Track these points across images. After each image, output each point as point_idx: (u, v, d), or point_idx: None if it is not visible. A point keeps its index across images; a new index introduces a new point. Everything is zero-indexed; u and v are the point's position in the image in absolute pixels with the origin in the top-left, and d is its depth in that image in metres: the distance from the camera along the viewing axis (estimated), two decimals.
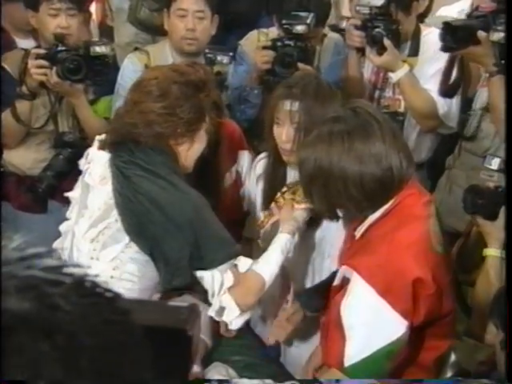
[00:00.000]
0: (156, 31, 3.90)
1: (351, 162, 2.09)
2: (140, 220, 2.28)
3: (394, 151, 2.12)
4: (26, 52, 3.28)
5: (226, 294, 2.30)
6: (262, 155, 2.91)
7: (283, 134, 2.58)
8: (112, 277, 2.33)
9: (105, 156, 2.39)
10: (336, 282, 2.25)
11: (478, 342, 2.50)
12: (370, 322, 2.09)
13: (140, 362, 0.76)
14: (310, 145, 2.21)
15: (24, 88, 3.19)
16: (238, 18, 3.95)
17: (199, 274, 2.32)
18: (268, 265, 2.39)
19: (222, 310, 2.34)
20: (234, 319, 2.36)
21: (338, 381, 2.19)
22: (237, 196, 2.97)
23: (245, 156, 3.00)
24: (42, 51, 3.15)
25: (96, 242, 2.36)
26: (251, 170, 2.95)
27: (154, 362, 0.81)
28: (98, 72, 3.19)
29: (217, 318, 2.38)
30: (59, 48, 3.14)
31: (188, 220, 2.24)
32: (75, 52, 3.15)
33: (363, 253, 2.17)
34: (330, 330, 2.23)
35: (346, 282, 2.16)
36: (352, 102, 2.32)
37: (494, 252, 2.49)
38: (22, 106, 3.21)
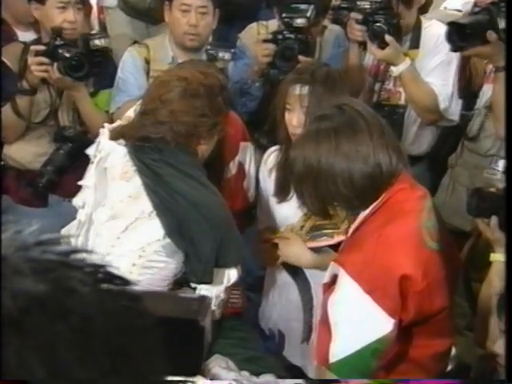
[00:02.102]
0: (148, 17, 3.87)
1: (339, 160, 2.09)
2: (179, 219, 2.34)
3: (381, 147, 2.11)
4: (26, 46, 3.28)
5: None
6: (273, 149, 2.93)
7: (294, 118, 2.63)
8: (134, 264, 2.38)
9: (122, 149, 2.42)
10: (326, 280, 2.23)
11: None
12: (356, 320, 2.07)
13: (153, 348, 0.76)
14: (298, 144, 2.21)
15: (25, 83, 3.19)
16: (237, 11, 3.93)
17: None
18: None
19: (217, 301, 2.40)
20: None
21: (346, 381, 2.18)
22: (240, 186, 2.99)
23: (247, 147, 3.01)
24: (41, 48, 3.14)
25: (122, 232, 2.40)
26: (262, 164, 2.96)
27: (168, 352, 0.81)
28: (97, 64, 3.20)
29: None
30: (58, 42, 3.14)
31: (220, 221, 2.34)
32: (75, 48, 3.15)
33: (351, 249, 2.16)
34: (318, 327, 2.23)
35: (335, 278, 2.14)
36: (339, 100, 2.32)
37: (500, 257, 2.46)
38: (23, 101, 3.21)
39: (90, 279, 0.73)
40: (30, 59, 3.13)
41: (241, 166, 2.98)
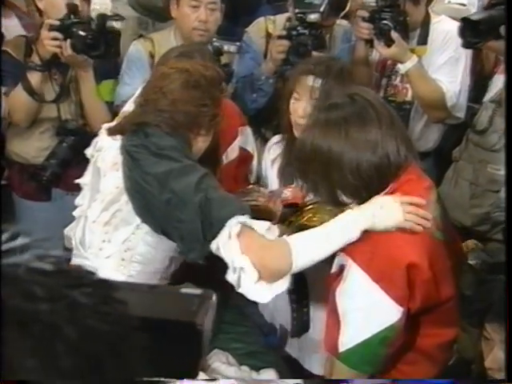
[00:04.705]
0: (157, 15, 3.86)
1: (348, 149, 2.08)
2: (148, 200, 2.27)
3: (390, 138, 2.10)
4: (27, 39, 3.30)
5: (243, 254, 2.12)
6: (276, 138, 2.93)
7: (300, 108, 2.62)
8: (123, 259, 2.37)
9: (116, 143, 2.40)
10: (333, 270, 2.23)
11: None
12: (365, 308, 2.07)
13: (128, 357, 0.75)
14: (307, 131, 2.21)
15: (36, 59, 3.18)
16: (238, 6, 3.92)
17: (214, 245, 2.19)
18: (305, 240, 2.18)
19: (239, 274, 2.15)
20: (252, 286, 2.13)
21: (347, 381, 2.19)
22: (242, 170, 2.98)
23: (246, 131, 2.99)
24: (56, 22, 3.12)
25: (108, 225, 2.38)
26: (265, 153, 2.96)
27: (164, 356, 0.80)
28: (109, 46, 3.17)
29: (236, 287, 2.18)
30: (72, 20, 3.13)
31: (192, 188, 2.19)
32: (89, 26, 3.14)
33: (359, 240, 2.14)
34: (327, 317, 2.23)
35: (342, 268, 2.15)
36: (351, 89, 2.31)
37: None
38: (34, 77, 3.19)
39: (55, 283, 0.72)
40: (44, 33, 3.12)
41: (242, 151, 2.96)
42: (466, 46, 3.10)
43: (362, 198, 2.17)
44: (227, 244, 2.13)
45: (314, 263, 2.14)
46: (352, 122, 2.10)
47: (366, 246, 2.09)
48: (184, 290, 1.08)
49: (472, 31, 3.02)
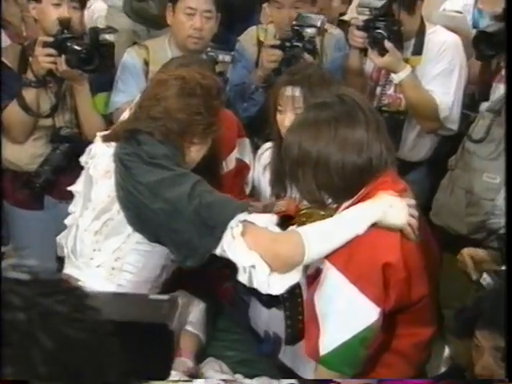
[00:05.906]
0: (152, 22, 3.89)
1: (335, 150, 2.10)
2: (140, 210, 2.27)
3: (376, 142, 2.13)
4: (23, 46, 3.32)
5: (251, 251, 2.13)
6: (267, 145, 2.94)
7: (285, 120, 2.64)
8: (113, 268, 2.37)
9: (110, 150, 2.41)
10: (309, 272, 2.24)
11: None
12: (343, 310, 2.08)
13: (104, 362, 0.76)
14: (295, 130, 2.21)
15: (30, 75, 3.19)
16: (233, 14, 3.94)
17: (219, 249, 2.18)
18: (316, 231, 2.17)
19: (250, 271, 2.14)
20: (265, 279, 2.12)
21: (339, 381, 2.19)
22: (238, 181, 2.98)
23: (244, 143, 3.02)
24: (49, 39, 3.15)
25: (99, 235, 2.38)
26: (256, 160, 2.97)
27: (136, 357, 0.81)
28: (103, 59, 3.18)
29: (248, 284, 2.16)
30: (65, 35, 3.15)
31: (186, 197, 2.18)
32: (83, 41, 3.17)
33: None
34: (306, 321, 2.25)
35: (319, 271, 2.16)
36: (339, 90, 2.32)
37: None
38: (29, 93, 3.20)
39: (31, 292, 0.72)
40: (38, 50, 3.14)
41: (239, 162, 2.97)
42: (480, 58, 3.08)
43: (340, 197, 2.20)
44: (232, 245, 2.14)
45: (324, 255, 2.13)
46: (342, 122, 2.12)
47: (342, 247, 2.10)
48: (152, 296, 1.12)
49: (487, 43, 3.01)
